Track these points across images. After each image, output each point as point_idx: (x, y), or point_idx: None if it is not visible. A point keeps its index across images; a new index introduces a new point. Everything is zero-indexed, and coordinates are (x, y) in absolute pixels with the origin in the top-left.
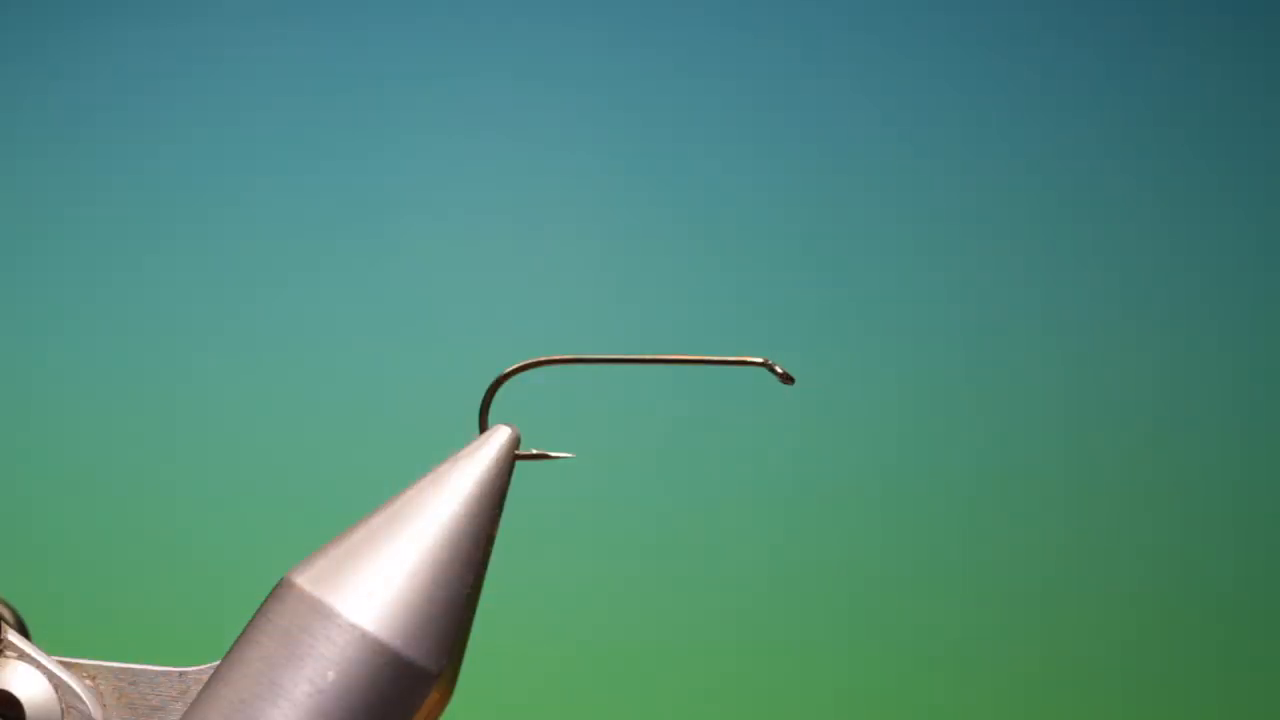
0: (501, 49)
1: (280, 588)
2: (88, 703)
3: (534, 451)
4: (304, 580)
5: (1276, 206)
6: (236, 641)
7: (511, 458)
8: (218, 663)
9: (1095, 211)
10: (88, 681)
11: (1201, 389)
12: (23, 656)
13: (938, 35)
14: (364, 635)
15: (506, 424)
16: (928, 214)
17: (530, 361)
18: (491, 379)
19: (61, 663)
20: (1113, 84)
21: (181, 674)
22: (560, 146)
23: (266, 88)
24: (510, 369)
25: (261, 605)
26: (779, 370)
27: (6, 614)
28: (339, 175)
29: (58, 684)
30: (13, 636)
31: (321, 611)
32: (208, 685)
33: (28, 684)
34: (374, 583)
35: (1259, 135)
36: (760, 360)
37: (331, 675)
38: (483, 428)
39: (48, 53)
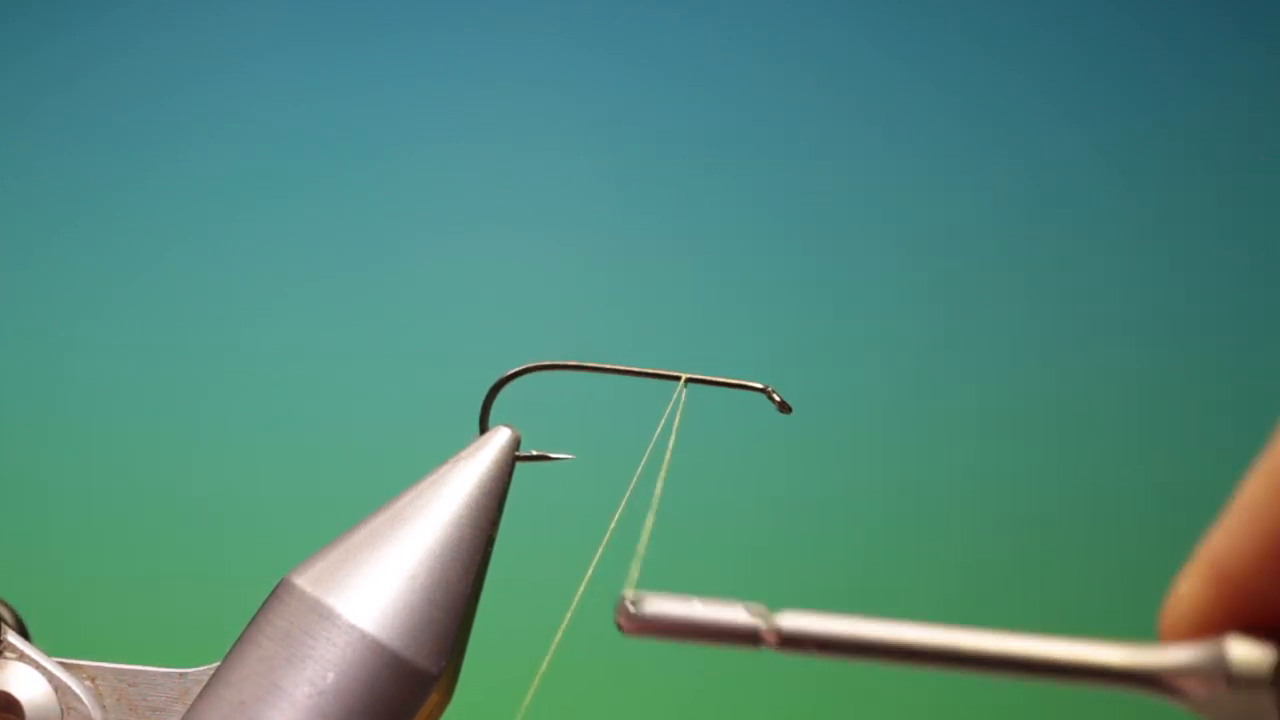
0: (505, 60)
1: (281, 589)
2: (88, 703)
3: (534, 453)
4: (304, 581)
5: (1273, 213)
6: (237, 642)
7: (512, 459)
8: (218, 664)
9: (1094, 220)
10: (88, 682)
11: (1196, 400)
12: (23, 657)
13: (937, 47)
14: (364, 636)
15: (507, 425)
16: (926, 224)
17: (531, 365)
18: (493, 382)
19: (61, 663)
20: (1107, 93)
21: (182, 675)
22: (562, 155)
23: (266, 97)
24: (511, 372)
25: (262, 606)
26: (777, 398)
27: (6, 615)
28: (343, 182)
29: (57, 685)
30: (12, 637)
31: (321, 612)
32: (208, 686)
33: (28, 685)
34: (374, 584)
35: (1257, 142)
36: (760, 386)
37: (331, 676)
38: (483, 429)
39: (48, 58)
